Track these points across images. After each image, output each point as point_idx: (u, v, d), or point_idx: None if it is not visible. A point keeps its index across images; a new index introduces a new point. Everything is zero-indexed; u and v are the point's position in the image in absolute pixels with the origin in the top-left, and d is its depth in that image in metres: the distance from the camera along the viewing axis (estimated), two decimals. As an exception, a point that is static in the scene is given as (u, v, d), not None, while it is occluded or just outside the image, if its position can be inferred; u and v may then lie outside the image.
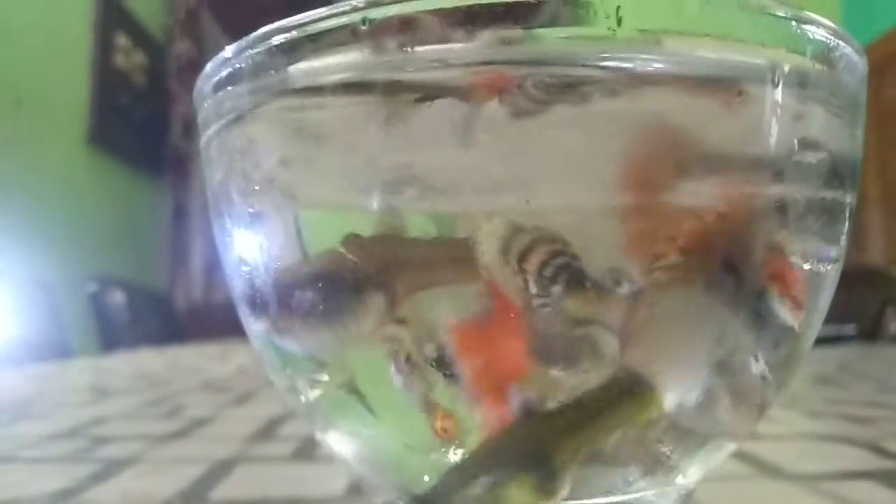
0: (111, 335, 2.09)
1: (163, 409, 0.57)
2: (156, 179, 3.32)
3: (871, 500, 0.27)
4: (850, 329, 1.27)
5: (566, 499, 0.13)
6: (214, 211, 0.15)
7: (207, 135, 0.14)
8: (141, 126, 3.14)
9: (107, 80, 2.88)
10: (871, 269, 1.97)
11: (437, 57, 0.12)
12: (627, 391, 0.12)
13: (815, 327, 0.15)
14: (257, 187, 0.13)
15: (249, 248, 0.13)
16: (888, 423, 0.45)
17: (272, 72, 0.13)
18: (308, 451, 0.39)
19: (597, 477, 0.13)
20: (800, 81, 0.12)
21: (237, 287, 0.15)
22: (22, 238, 2.04)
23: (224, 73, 0.14)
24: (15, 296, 1.80)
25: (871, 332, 1.34)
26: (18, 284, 1.85)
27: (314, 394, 0.14)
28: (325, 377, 0.14)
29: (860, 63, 0.13)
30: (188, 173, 3.29)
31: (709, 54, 0.12)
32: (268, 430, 0.45)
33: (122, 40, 3.04)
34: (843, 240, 0.14)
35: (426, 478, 0.14)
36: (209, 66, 0.14)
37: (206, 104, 0.14)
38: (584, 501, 0.13)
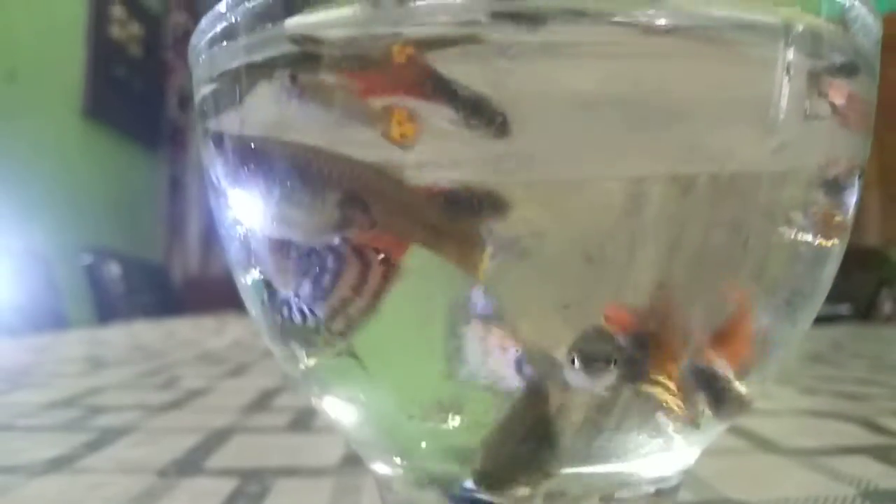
0: (107, 307, 2.09)
1: (158, 379, 0.57)
2: (152, 151, 3.30)
3: (865, 475, 0.27)
4: (845, 309, 1.27)
5: (569, 467, 0.13)
6: (208, 171, 0.15)
7: (202, 92, 0.14)
8: (137, 98, 3.11)
9: (102, 52, 2.85)
10: (867, 249, 1.97)
11: (436, 10, 0.11)
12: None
13: (819, 302, 0.15)
14: (252, 144, 0.13)
15: (244, 207, 0.13)
16: (881, 400, 0.45)
17: (268, 26, 0.12)
18: (304, 421, 0.39)
19: (599, 445, 0.13)
20: (813, 42, 0.12)
21: (233, 250, 0.15)
22: (17, 210, 2.03)
23: (219, 29, 0.13)
24: (11, 267, 1.80)
25: (865, 312, 1.35)
26: (14, 256, 1.85)
27: (313, 360, 0.14)
28: (324, 343, 0.14)
29: (875, 25, 0.13)
30: (185, 145, 3.27)
31: (721, 13, 0.11)
32: (263, 401, 0.46)
33: (117, 11, 3.00)
34: (851, 211, 0.14)
35: (423, 444, 0.14)
36: (204, 21, 0.14)
37: (201, 60, 0.14)
38: (585, 469, 0.13)
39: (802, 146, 0.12)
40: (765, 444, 0.32)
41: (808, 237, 0.13)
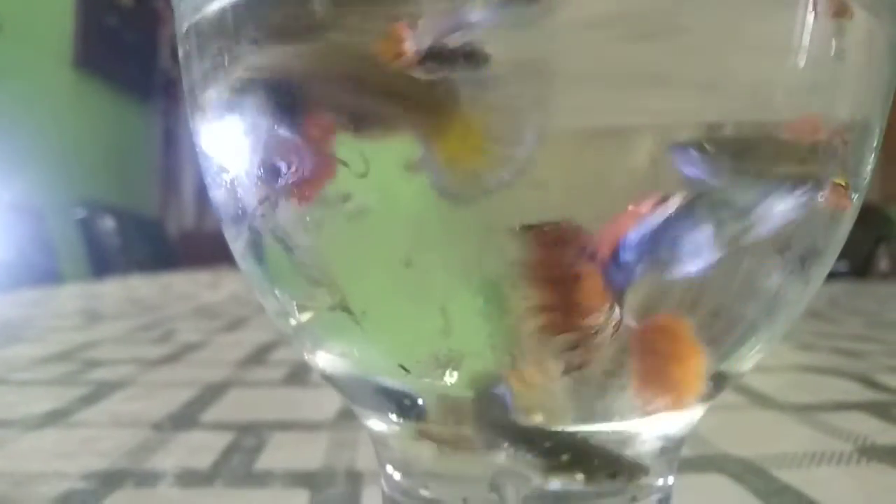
0: (102, 261, 2.08)
1: (154, 333, 0.57)
2: (145, 103, 3.25)
3: (862, 430, 0.27)
4: (841, 265, 1.27)
5: (572, 426, 0.13)
6: (193, 112, 0.14)
7: (182, 31, 0.13)
8: (129, 49, 3.05)
9: (93, 1, 2.78)
10: (865, 206, 1.96)
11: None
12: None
13: (832, 261, 0.14)
14: (238, 85, 0.12)
15: (229, 150, 0.12)
16: (878, 356, 0.45)
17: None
18: (300, 375, 0.39)
19: (596, 400, 0.13)
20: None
21: (219, 198, 0.14)
22: (8, 163, 2.01)
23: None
24: (4, 221, 1.78)
25: (862, 269, 1.35)
26: (6, 210, 1.83)
27: (305, 315, 0.14)
28: (317, 297, 0.13)
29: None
30: (178, 97, 3.22)
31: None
32: (259, 355, 0.45)
33: (107, -42, 2.93)
34: (871, 166, 0.13)
35: (420, 401, 0.13)
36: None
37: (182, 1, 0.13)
38: (587, 427, 0.13)
39: (828, 89, 0.11)
40: (763, 400, 0.32)
41: (829, 190, 0.12)
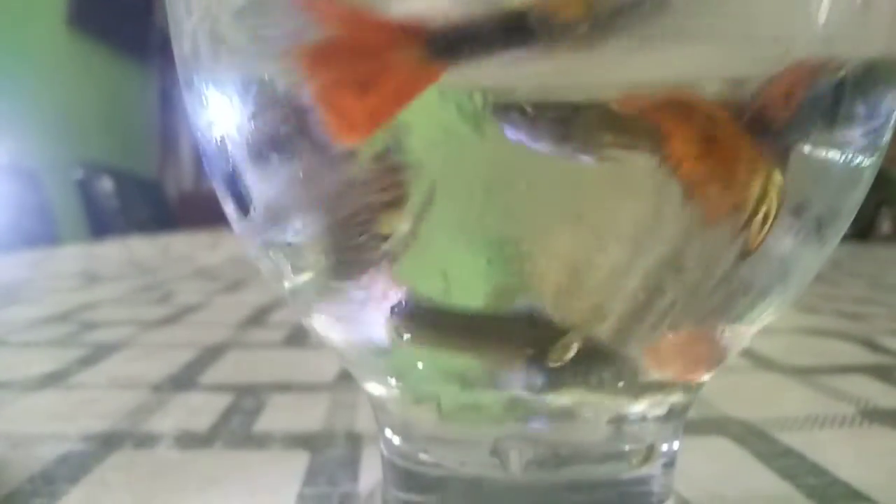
0: (100, 223, 2.08)
1: (153, 295, 0.57)
2: (142, 62, 3.20)
3: (864, 393, 0.27)
4: (843, 228, 1.26)
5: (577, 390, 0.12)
6: (181, 69, 0.13)
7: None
8: (125, 6, 2.99)
9: (86, -43, 2.73)
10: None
11: None
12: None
13: (847, 223, 0.14)
14: (225, 44, 0.11)
15: (221, 111, 0.12)
16: (880, 319, 0.45)
17: None
18: (299, 337, 0.39)
19: (598, 367, 0.12)
20: None
21: (212, 159, 0.13)
22: (4, 125, 1.99)
23: None
24: (0, 183, 1.77)
25: (864, 232, 1.34)
26: (2, 172, 1.82)
27: (301, 278, 0.13)
28: (312, 260, 0.13)
29: None
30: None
31: None
32: (259, 317, 0.45)
33: (100, -88, 2.86)
34: (893, 121, 0.13)
35: (420, 364, 0.13)
36: None
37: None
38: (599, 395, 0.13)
39: (853, 36, 0.11)
40: (765, 363, 0.32)
41: (850, 149, 0.12)
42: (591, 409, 0.13)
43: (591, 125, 0.11)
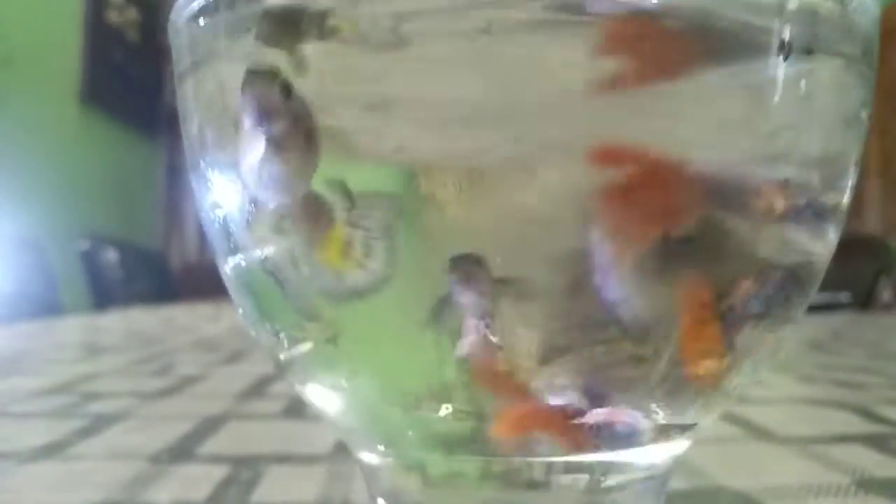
0: (104, 293, 2.08)
1: (154, 366, 0.57)
2: (150, 137, 3.28)
3: (861, 463, 0.27)
4: (844, 297, 1.27)
5: (561, 455, 0.13)
6: (189, 152, 0.14)
7: (180, 71, 0.14)
8: (135, 83, 3.09)
9: (100, 37, 2.83)
10: (868, 237, 1.97)
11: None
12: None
13: (812, 291, 0.14)
14: (231, 130, 0.12)
15: (224, 194, 0.13)
16: (879, 388, 0.45)
17: (248, 2, 0.12)
18: (297, 408, 0.39)
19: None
20: (808, 19, 0.11)
21: (214, 234, 0.14)
22: (13, 195, 2.03)
23: (197, 5, 0.13)
24: (6, 253, 1.79)
25: (865, 301, 1.34)
26: (10, 242, 1.84)
27: (296, 347, 0.14)
28: (308, 331, 0.13)
29: (872, 4, 0.12)
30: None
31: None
32: (258, 388, 0.45)
33: (115, -5, 2.98)
34: (847, 196, 0.13)
35: (410, 433, 0.13)
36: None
37: (179, 39, 0.14)
38: (571, 457, 0.13)
39: (797, 129, 0.12)
40: (760, 432, 0.32)
41: (801, 224, 0.13)
42: (566, 477, 0.13)
43: None
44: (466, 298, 0.11)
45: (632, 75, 0.11)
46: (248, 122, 0.11)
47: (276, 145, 0.11)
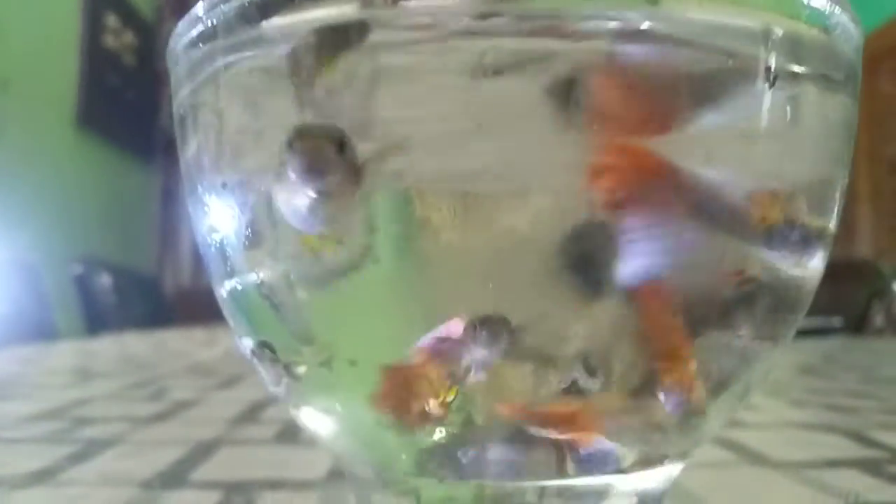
0: (97, 318, 2.07)
1: (147, 391, 0.56)
2: (145, 161, 3.29)
3: (853, 487, 0.27)
4: (836, 321, 1.27)
5: (555, 479, 0.13)
6: (187, 177, 0.14)
7: (178, 97, 0.14)
8: (130, 108, 3.11)
9: (96, 61, 2.85)
10: (859, 261, 1.98)
11: (427, 10, 0.11)
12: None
13: (799, 317, 0.15)
14: (228, 154, 0.13)
15: (221, 218, 0.13)
16: (872, 412, 0.45)
17: (246, 28, 0.12)
18: (291, 434, 0.39)
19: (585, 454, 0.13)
20: (793, 47, 0.12)
21: (211, 259, 0.14)
22: (8, 218, 2.02)
23: (195, 32, 0.13)
24: (0, 276, 1.78)
25: (857, 325, 1.35)
26: (4, 265, 1.83)
27: (291, 371, 0.14)
28: (304, 354, 0.14)
29: (856, 31, 0.13)
30: (178, 156, 3.25)
31: (699, 16, 0.11)
32: (251, 413, 0.45)
33: (111, 20, 3.01)
34: (834, 218, 0.14)
35: (403, 457, 0.14)
36: (180, 25, 0.14)
37: (177, 66, 0.14)
38: (563, 481, 0.13)
39: (782, 156, 0.12)
40: (753, 457, 0.32)
41: (787, 251, 0.13)
42: (558, 501, 0.13)
43: None
44: (481, 355, 0.12)
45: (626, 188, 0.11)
46: (297, 175, 0.11)
47: (327, 196, 0.11)
